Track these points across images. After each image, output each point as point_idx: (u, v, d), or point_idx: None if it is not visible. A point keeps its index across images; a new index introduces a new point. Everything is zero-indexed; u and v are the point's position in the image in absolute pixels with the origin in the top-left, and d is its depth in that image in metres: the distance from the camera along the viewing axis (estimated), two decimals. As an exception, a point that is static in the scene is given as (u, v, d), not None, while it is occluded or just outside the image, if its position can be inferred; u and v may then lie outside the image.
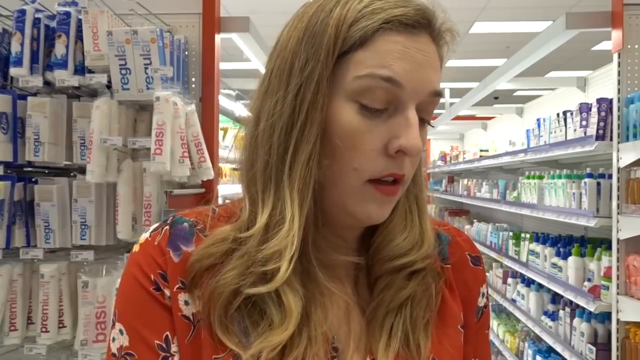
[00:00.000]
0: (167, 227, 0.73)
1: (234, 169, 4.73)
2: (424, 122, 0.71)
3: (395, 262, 0.73)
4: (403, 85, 0.66)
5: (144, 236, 0.74)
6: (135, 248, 0.74)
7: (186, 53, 2.56)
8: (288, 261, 0.66)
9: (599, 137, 2.85)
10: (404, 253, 0.73)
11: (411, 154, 0.67)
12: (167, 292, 0.70)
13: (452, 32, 0.71)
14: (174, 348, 0.70)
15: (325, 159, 0.67)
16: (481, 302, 0.83)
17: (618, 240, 2.69)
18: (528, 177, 4.09)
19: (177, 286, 0.70)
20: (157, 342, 0.70)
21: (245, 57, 3.54)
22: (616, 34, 2.73)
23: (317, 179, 0.67)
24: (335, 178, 0.68)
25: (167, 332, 0.70)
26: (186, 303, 0.70)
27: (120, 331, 0.71)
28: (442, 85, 0.71)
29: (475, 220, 6.31)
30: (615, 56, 2.73)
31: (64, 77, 2.26)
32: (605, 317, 3.02)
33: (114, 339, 0.71)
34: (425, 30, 0.68)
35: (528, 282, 4.28)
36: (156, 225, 0.75)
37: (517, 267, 4.34)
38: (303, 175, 0.67)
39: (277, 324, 0.66)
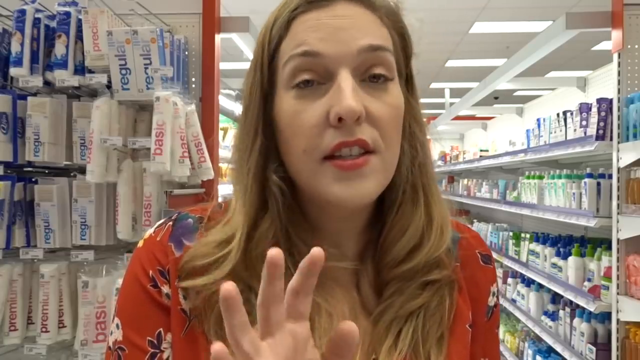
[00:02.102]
0: (171, 222, 0.75)
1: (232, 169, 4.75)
2: (384, 78, 0.69)
3: (402, 266, 0.72)
4: (322, 53, 0.66)
5: (149, 232, 0.76)
6: (140, 244, 0.76)
7: (186, 53, 2.56)
8: (237, 243, 0.69)
9: (599, 137, 2.85)
10: (409, 257, 0.72)
11: (347, 117, 0.64)
12: (164, 289, 0.71)
13: None
14: (164, 344, 0.71)
15: (286, 155, 0.70)
16: (491, 301, 0.81)
17: (618, 240, 2.69)
18: (528, 177, 4.09)
19: (177, 280, 0.71)
20: (149, 338, 0.71)
21: (245, 57, 3.55)
22: (616, 34, 2.73)
23: (274, 169, 0.70)
24: (296, 168, 0.70)
25: (160, 329, 0.71)
26: (184, 297, 0.71)
27: (117, 325, 0.72)
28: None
29: (475, 220, 6.31)
30: (615, 56, 2.73)
31: (64, 77, 2.26)
32: (605, 317, 3.02)
33: (112, 332, 0.73)
34: None
35: (528, 282, 4.28)
36: (161, 221, 0.77)
37: (517, 267, 4.35)
38: (255, 162, 0.71)
39: None
